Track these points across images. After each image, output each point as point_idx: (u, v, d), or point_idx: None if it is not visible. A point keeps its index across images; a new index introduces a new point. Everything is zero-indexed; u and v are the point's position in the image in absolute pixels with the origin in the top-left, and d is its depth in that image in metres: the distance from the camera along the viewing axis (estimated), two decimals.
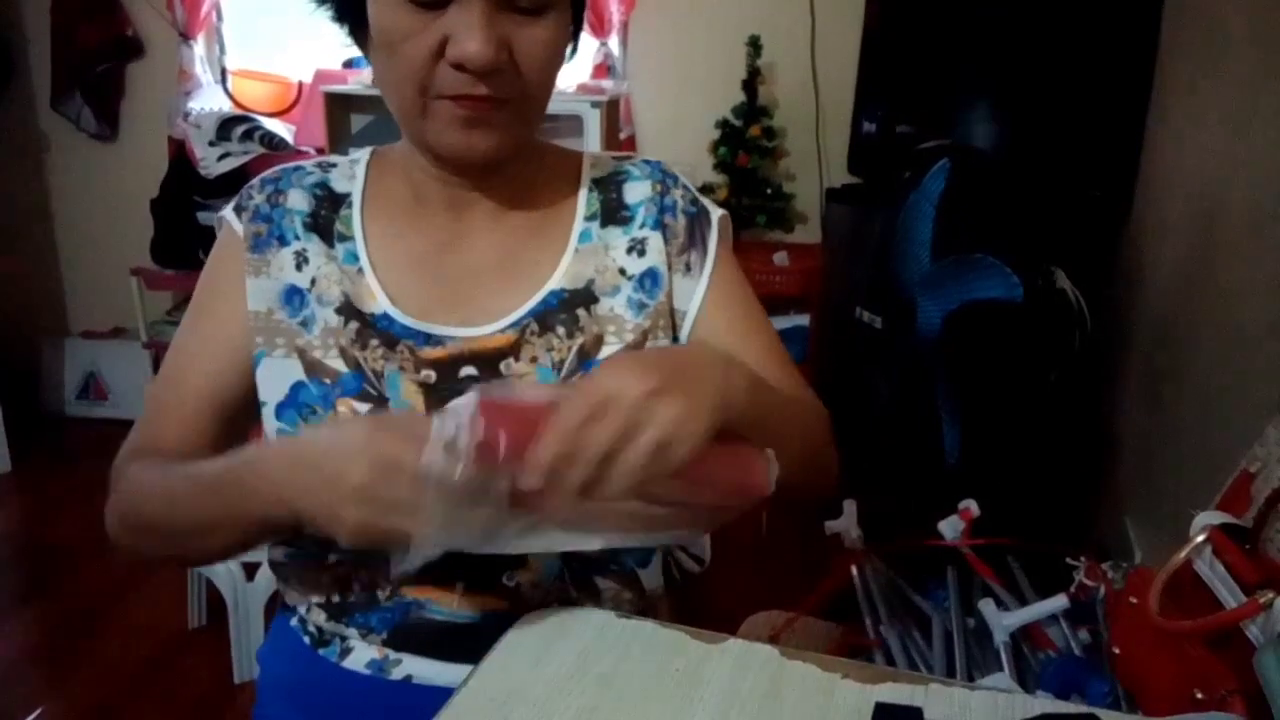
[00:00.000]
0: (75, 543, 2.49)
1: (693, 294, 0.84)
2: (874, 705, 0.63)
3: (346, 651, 0.81)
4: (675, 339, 0.85)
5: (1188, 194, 1.82)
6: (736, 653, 0.70)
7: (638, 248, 0.83)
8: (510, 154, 0.76)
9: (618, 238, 0.84)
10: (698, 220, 0.86)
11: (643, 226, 0.84)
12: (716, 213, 0.87)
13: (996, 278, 1.73)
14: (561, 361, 0.79)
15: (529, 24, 0.70)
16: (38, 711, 1.87)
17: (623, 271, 0.83)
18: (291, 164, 0.86)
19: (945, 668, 1.48)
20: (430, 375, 0.78)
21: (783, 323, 2.80)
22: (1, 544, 2.56)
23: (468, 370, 0.78)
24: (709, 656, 0.70)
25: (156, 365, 3.13)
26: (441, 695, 0.66)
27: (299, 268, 0.80)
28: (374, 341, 0.78)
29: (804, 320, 2.75)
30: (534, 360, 0.79)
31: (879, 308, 2.01)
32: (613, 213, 0.85)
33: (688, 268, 0.84)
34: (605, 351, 0.80)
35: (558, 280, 0.81)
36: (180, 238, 2.96)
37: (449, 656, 0.78)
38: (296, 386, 0.78)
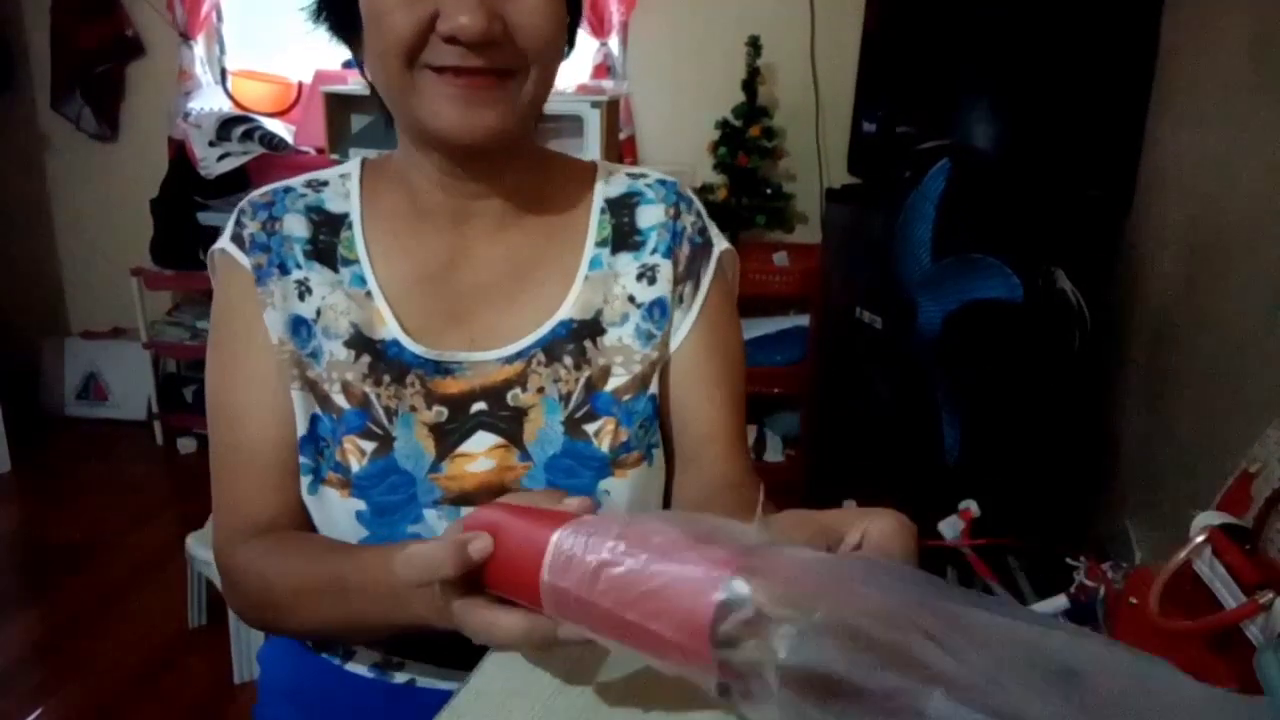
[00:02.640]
0: (75, 543, 2.49)
1: (680, 327, 0.82)
2: None
3: (349, 655, 0.81)
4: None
5: (1188, 193, 1.82)
6: None
7: (648, 275, 0.81)
8: (512, 136, 0.72)
9: (628, 264, 0.81)
10: (699, 251, 0.83)
11: (654, 253, 0.81)
12: (719, 247, 0.85)
13: (996, 278, 1.73)
14: (569, 394, 0.78)
15: None
16: (38, 711, 1.87)
17: (632, 299, 0.80)
18: (280, 185, 0.81)
19: None
20: (442, 413, 0.76)
21: (783, 323, 2.80)
22: (1, 544, 2.56)
23: (479, 406, 0.77)
24: None
25: (157, 365, 3.13)
26: (445, 699, 0.66)
27: (301, 298, 0.77)
28: (386, 377, 0.76)
29: (804, 320, 2.75)
30: (540, 391, 0.77)
31: (879, 308, 2.01)
32: (625, 238, 0.82)
33: (680, 299, 0.82)
34: (612, 383, 0.79)
35: (567, 309, 0.79)
36: (180, 238, 2.96)
37: (453, 663, 0.77)
38: (314, 420, 0.76)
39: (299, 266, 0.78)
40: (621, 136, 2.86)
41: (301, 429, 0.76)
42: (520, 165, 0.79)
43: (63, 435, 3.22)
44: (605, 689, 0.66)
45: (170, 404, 3.13)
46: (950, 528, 1.70)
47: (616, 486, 0.77)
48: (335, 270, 0.78)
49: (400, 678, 0.80)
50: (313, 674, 0.83)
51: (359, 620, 0.69)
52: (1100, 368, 2.08)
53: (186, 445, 3.07)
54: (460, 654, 0.75)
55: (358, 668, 0.81)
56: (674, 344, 0.82)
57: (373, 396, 0.76)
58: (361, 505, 0.75)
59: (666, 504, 0.84)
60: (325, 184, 0.82)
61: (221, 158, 2.85)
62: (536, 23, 0.69)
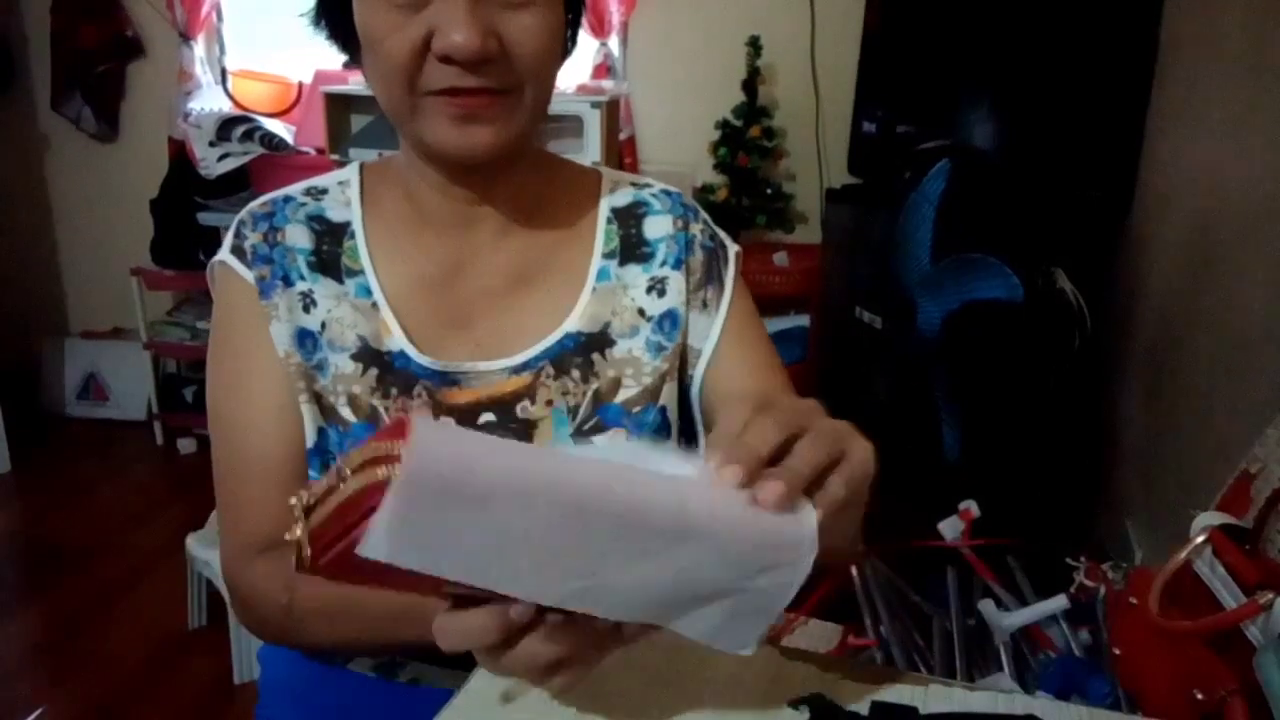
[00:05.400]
0: (75, 542, 2.49)
1: (708, 332, 0.81)
2: (869, 705, 0.63)
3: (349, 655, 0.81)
4: (687, 378, 0.83)
5: (1188, 194, 1.82)
6: None
7: (658, 287, 0.81)
8: (512, 150, 0.72)
9: (637, 276, 0.81)
10: (715, 255, 0.83)
11: (664, 265, 0.81)
12: (733, 249, 0.85)
13: (996, 278, 1.73)
14: (577, 406, 0.78)
15: (517, 13, 0.67)
16: (38, 711, 1.87)
17: (641, 312, 0.80)
18: (280, 194, 0.80)
19: (945, 668, 1.48)
20: (450, 424, 0.75)
21: (783, 323, 2.80)
22: (1, 544, 2.56)
23: (487, 417, 0.76)
24: (709, 656, 0.70)
25: (156, 365, 3.13)
26: (446, 699, 0.66)
27: (307, 310, 0.76)
28: (394, 390, 0.75)
29: (804, 320, 2.75)
30: (549, 403, 0.77)
31: (879, 308, 2.01)
32: (632, 249, 0.82)
33: (704, 304, 0.82)
34: (622, 395, 0.79)
35: (574, 322, 0.79)
36: (180, 238, 2.96)
37: (456, 662, 0.77)
38: (321, 432, 0.76)
39: (303, 278, 0.77)
40: (621, 137, 2.86)
41: (310, 441, 0.75)
42: (520, 169, 0.78)
43: (63, 435, 3.22)
44: (603, 689, 0.66)
45: (170, 404, 3.13)
46: (950, 528, 1.70)
47: None
48: (340, 281, 0.77)
49: (401, 677, 0.80)
50: (313, 674, 0.83)
51: (373, 639, 0.72)
52: (1100, 368, 2.08)
53: (186, 445, 3.07)
54: (460, 654, 0.75)
55: (358, 668, 0.81)
56: (707, 350, 0.82)
57: (381, 410, 0.75)
58: None
59: None
60: (325, 191, 0.81)
61: (222, 158, 2.85)
62: (532, 40, 0.68)
